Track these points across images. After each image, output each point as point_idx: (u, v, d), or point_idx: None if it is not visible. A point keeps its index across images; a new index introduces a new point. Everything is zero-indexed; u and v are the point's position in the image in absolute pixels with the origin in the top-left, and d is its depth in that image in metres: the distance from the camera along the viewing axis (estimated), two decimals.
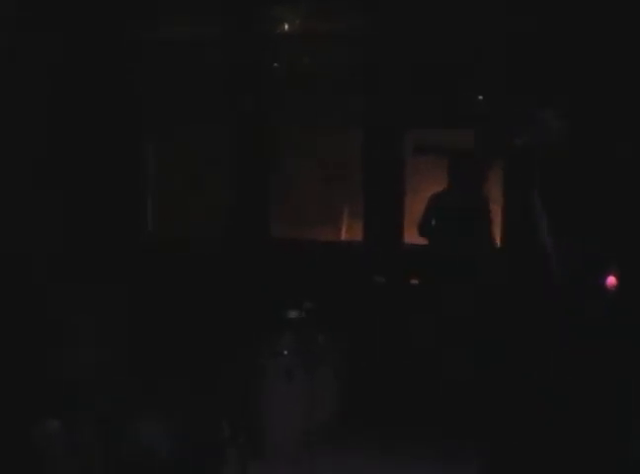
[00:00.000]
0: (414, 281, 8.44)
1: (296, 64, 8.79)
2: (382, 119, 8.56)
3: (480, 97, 8.28)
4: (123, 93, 8.55)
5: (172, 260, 8.38)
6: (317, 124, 8.81)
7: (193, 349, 7.39)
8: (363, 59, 8.55)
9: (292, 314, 7.22)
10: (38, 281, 6.60)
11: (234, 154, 8.78)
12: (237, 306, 7.62)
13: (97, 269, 7.43)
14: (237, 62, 8.65)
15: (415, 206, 8.52)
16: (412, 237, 8.48)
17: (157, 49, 8.81)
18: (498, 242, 8.40)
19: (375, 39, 8.44)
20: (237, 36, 8.65)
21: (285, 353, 6.95)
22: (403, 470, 6.57)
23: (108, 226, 8.22)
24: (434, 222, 8.19)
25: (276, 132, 8.82)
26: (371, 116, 8.60)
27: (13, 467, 5.06)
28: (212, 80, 8.75)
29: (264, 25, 8.71)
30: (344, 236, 9.12)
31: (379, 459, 6.77)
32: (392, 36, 8.36)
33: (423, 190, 8.49)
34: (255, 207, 8.78)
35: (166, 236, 8.95)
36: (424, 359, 7.96)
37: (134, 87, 8.71)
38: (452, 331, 7.92)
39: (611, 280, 6.36)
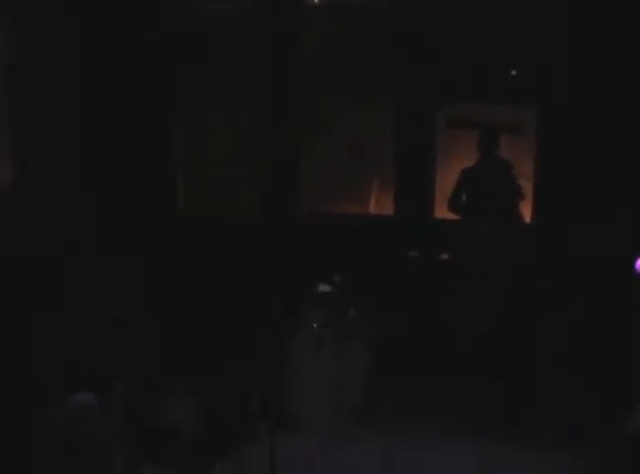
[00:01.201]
0: (444, 256, 8.45)
1: (328, 36, 8.75)
2: (415, 93, 8.54)
3: (513, 72, 8.25)
4: (155, 67, 8.54)
5: (203, 233, 8.41)
6: (349, 97, 8.77)
7: (223, 321, 7.42)
8: (396, 32, 8.51)
9: (323, 287, 7.25)
10: (69, 253, 6.64)
11: (265, 127, 8.77)
12: (268, 279, 7.64)
13: (128, 242, 7.46)
14: (269, 35, 8.62)
15: (446, 181, 8.52)
16: (442, 212, 8.48)
17: (188, 23, 8.77)
18: (528, 218, 8.40)
19: (408, 12, 8.41)
20: (268, 8, 8.62)
21: (315, 325, 6.97)
22: (434, 440, 6.59)
23: (139, 200, 8.24)
24: (464, 198, 8.17)
25: (307, 104, 8.80)
26: (404, 89, 8.58)
27: (46, 440, 5.13)
28: (244, 52, 8.72)
29: None
30: (373, 209, 9.12)
31: (410, 431, 6.80)
32: (425, 8, 8.33)
33: (454, 165, 8.47)
34: (286, 181, 8.78)
35: (197, 210, 8.98)
36: (453, 333, 7.99)
37: (166, 59, 8.69)
38: (482, 304, 7.93)
39: None
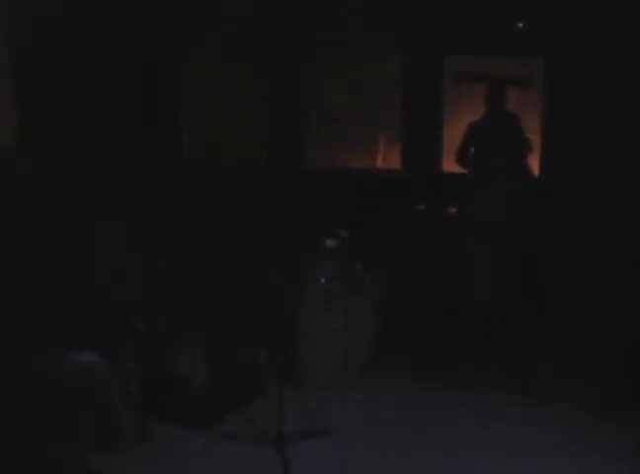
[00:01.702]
0: (452, 210, 8.44)
1: None
2: (421, 46, 8.49)
3: (520, 24, 8.18)
4: (161, 27, 8.46)
5: (208, 188, 8.40)
6: (354, 50, 8.71)
7: (230, 277, 7.44)
8: None
9: (331, 242, 7.26)
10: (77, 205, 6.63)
11: (269, 80, 8.71)
12: (274, 234, 7.64)
13: (133, 195, 7.44)
14: None
15: (453, 134, 8.48)
16: (450, 165, 8.45)
17: None
18: (536, 172, 8.38)
19: None
20: None
21: (323, 281, 6.98)
22: (436, 398, 6.63)
23: (145, 153, 8.21)
24: (472, 151, 8.14)
25: (311, 57, 8.73)
26: (410, 42, 8.52)
27: (52, 393, 5.13)
28: (245, 8, 8.63)
29: None
30: (380, 164, 9.10)
31: (413, 389, 6.83)
32: None
33: (461, 118, 8.44)
34: (291, 134, 8.75)
35: (202, 165, 8.95)
36: (461, 288, 8.01)
37: (172, 21, 8.61)
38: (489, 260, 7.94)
39: None
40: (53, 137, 7.17)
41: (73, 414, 4.92)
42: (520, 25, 8.15)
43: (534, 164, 8.32)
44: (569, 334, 7.56)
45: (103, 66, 7.76)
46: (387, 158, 9.02)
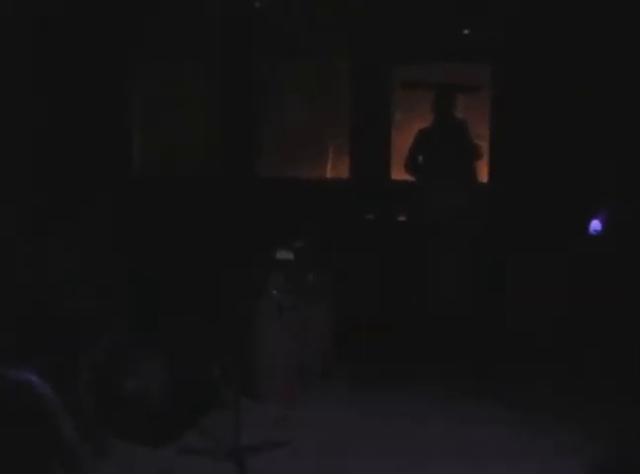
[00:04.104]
0: (402, 218, 8.43)
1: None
2: (369, 55, 8.48)
3: (466, 31, 8.21)
4: (107, 29, 8.36)
5: (158, 197, 8.31)
6: (303, 61, 8.68)
7: (181, 289, 7.37)
8: None
9: (282, 253, 7.20)
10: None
11: (220, 91, 8.66)
12: (225, 246, 7.58)
13: (84, 206, 7.33)
14: None
15: (401, 143, 8.48)
16: (399, 173, 8.44)
17: None
18: (484, 178, 8.41)
19: None
20: None
21: (275, 292, 6.93)
22: (399, 405, 6.60)
23: (93, 163, 8.09)
24: (420, 158, 8.14)
25: (262, 69, 8.69)
26: (358, 51, 8.51)
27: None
28: (198, 15, 8.56)
29: None
30: (330, 173, 9.08)
31: (373, 398, 6.79)
32: None
33: (409, 126, 8.44)
34: (241, 146, 8.70)
35: (152, 174, 8.86)
36: (415, 296, 7.99)
37: (118, 23, 8.50)
38: (441, 267, 7.95)
39: None
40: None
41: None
42: (466, 31, 8.17)
43: (483, 170, 8.34)
44: (536, 334, 7.60)
45: (50, 73, 7.65)
46: (336, 167, 8.99)
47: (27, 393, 4.88)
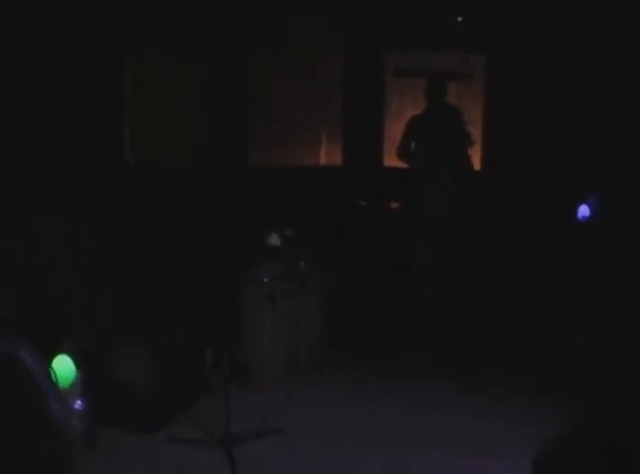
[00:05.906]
0: (394, 204, 8.41)
1: None
2: (361, 42, 8.45)
3: (460, 18, 8.18)
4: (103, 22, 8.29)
5: (151, 188, 8.27)
6: (297, 47, 8.63)
7: (174, 277, 7.34)
8: None
9: (274, 240, 7.18)
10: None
11: (213, 79, 8.61)
12: (218, 234, 7.55)
13: (75, 196, 7.29)
14: None
15: (394, 129, 8.45)
16: (391, 160, 8.42)
17: None
18: (476, 165, 8.38)
19: None
20: None
21: (266, 279, 6.90)
22: (387, 395, 6.59)
23: (86, 154, 8.04)
24: (413, 145, 8.11)
25: (254, 54, 8.64)
26: (350, 39, 8.48)
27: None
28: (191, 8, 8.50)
29: None
30: (323, 160, 9.05)
31: (364, 383, 6.79)
32: None
33: (402, 112, 8.41)
34: (234, 133, 8.65)
35: (144, 164, 8.81)
36: (407, 283, 7.98)
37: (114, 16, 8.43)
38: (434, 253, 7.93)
39: None
40: None
41: None
42: (460, 19, 8.15)
43: (476, 157, 8.32)
44: (521, 329, 7.58)
45: (40, 65, 7.60)
46: (329, 155, 8.96)
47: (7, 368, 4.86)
